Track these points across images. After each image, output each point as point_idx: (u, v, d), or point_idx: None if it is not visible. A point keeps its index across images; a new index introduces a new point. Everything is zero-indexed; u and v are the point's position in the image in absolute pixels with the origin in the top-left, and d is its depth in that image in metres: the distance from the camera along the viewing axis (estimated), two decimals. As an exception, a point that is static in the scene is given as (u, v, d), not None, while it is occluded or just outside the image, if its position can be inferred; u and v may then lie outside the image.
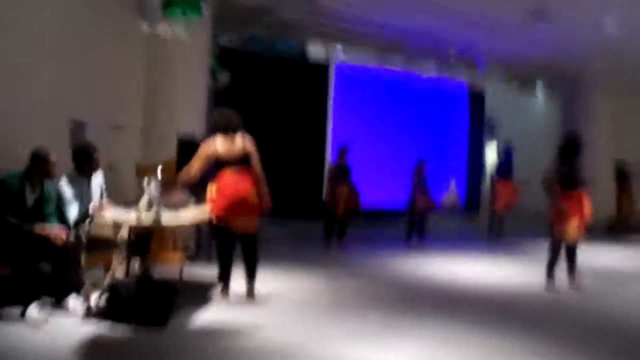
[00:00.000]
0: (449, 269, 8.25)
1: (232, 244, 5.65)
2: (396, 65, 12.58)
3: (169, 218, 4.84)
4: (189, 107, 8.50)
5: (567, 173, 7.25)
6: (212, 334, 4.57)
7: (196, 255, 7.45)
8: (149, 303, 4.53)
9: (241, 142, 5.62)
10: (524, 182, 11.59)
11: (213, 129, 5.74)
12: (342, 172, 9.59)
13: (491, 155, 16.83)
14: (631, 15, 9.85)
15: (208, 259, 6.91)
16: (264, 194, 5.69)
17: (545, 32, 10.74)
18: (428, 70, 12.90)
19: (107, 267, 5.99)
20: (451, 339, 4.78)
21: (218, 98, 10.33)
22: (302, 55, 12.76)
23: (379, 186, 12.51)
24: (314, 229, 10.13)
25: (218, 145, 5.59)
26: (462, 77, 13.92)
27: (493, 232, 11.57)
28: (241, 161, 5.57)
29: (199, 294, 5.62)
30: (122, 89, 8.17)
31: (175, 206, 5.36)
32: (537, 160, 14.78)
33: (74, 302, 4.76)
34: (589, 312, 6.06)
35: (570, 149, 7.33)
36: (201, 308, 5.19)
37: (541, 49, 11.74)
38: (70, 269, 4.82)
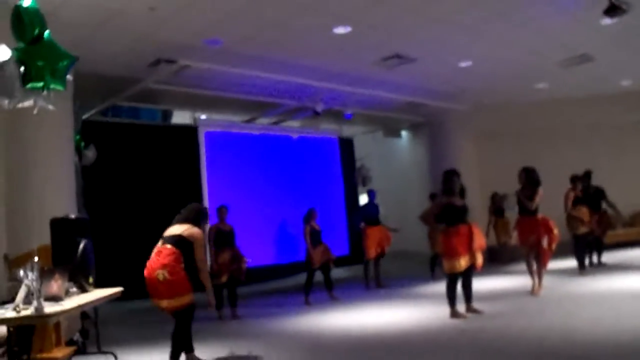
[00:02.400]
0: (353, 319, 8.30)
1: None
2: (264, 124, 12.76)
3: (52, 309, 4.39)
4: (56, 187, 7.97)
5: (453, 208, 7.61)
6: None
7: (84, 346, 6.85)
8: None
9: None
10: (394, 228, 11.89)
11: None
12: (223, 236, 9.24)
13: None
14: (484, 57, 10.74)
15: (98, 349, 6.36)
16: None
17: (403, 77, 11.39)
18: (296, 126, 13.19)
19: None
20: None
21: (86, 174, 9.83)
22: (168, 121, 12.61)
23: (264, 243, 12.38)
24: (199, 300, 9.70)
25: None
26: (330, 128, 14.35)
27: (369, 279, 11.51)
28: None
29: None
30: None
31: (55, 296, 4.90)
32: (407, 201, 15.57)
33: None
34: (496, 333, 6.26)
35: (450, 182, 7.70)
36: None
37: (403, 93, 12.41)
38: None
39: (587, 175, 11.40)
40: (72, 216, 5.91)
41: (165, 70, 9.33)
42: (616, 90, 14.51)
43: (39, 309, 4.24)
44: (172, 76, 9.60)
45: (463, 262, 7.46)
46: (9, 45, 4.46)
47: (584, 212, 10.77)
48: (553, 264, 11.56)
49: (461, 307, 7.64)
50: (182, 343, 5.79)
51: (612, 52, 11.24)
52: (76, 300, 4.95)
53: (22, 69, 4.41)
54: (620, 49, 11.10)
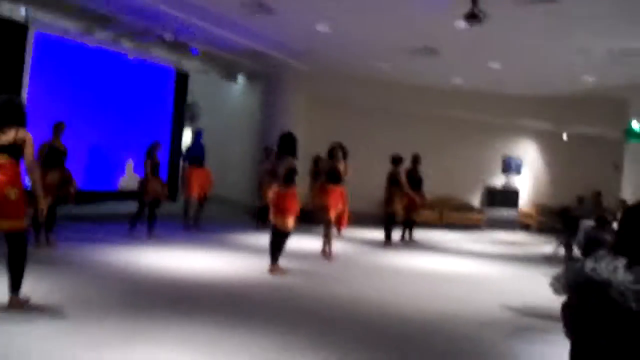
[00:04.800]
0: (171, 260, 8.08)
1: None
2: (103, 40, 11.63)
3: None
4: None
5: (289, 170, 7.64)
6: None
7: None
8: None
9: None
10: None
11: None
12: (56, 155, 8.35)
13: (186, 140, 16.79)
14: (341, 25, 10.75)
15: None
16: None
17: (258, 25, 11.05)
18: (136, 49, 12.21)
19: None
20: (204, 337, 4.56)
21: None
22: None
23: (86, 166, 11.48)
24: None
25: None
26: (170, 59, 13.53)
27: (189, 220, 11.24)
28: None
29: None
30: None
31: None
32: (231, 146, 15.38)
33: None
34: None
35: (286, 143, 7.72)
36: None
37: (255, 41, 12.04)
38: None
39: (416, 159, 12.13)
40: None
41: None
42: (448, 86, 15.53)
43: None
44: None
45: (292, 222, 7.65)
46: None
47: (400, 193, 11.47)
48: (366, 234, 12.32)
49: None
50: (21, 269, 5.10)
51: (455, 52, 11.93)
52: None
53: None
54: (463, 50, 11.81)
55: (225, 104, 16.81)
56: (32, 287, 5.42)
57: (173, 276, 7.09)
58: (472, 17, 8.69)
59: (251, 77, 15.77)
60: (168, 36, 10.98)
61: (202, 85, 15.70)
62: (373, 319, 5.92)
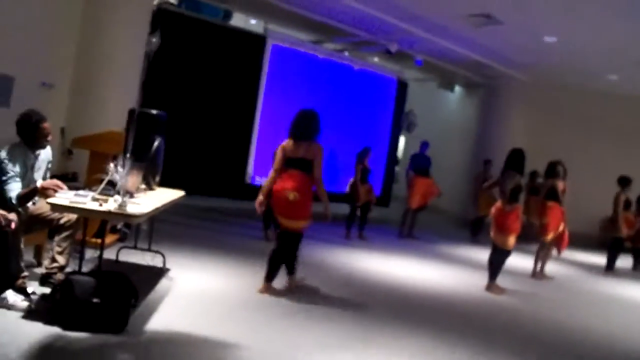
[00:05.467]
0: (387, 266, 8.27)
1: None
2: (331, 51, 12.37)
3: (137, 210, 4.27)
4: (126, 72, 7.79)
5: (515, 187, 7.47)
6: (174, 341, 4.13)
7: (125, 236, 6.83)
8: (109, 307, 4.01)
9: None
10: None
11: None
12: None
13: (405, 148, 17.12)
14: (569, 36, 10.27)
15: (149, 246, 6.24)
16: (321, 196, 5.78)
17: (484, 37, 10.93)
18: (361, 60, 12.79)
19: (38, 251, 5.37)
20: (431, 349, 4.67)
21: (148, 62, 9.57)
22: (227, 21, 12.18)
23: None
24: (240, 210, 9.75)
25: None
26: (393, 69, 13.93)
27: (405, 228, 11.37)
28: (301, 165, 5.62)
29: (145, 283, 5.13)
30: (55, 45, 7.32)
31: (128, 192, 4.78)
32: (446, 157, 15.35)
33: (14, 296, 4.13)
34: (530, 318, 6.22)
35: (516, 161, 7.55)
36: (153, 305, 4.73)
37: (476, 52, 11.96)
38: (11, 257, 4.17)
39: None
40: (153, 111, 5.70)
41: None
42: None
43: (123, 206, 4.13)
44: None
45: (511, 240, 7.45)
46: None
47: (630, 216, 10.63)
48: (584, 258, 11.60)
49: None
50: (281, 264, 5.79)
51: None
52: (151, 200, 4.84)
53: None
54: None
55: (441, 113, 16.86)
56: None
57: (390, 283, 7.22)
58: None
59: (468, 87, 15.64)
60: (393, 47, 11.29)
61: (419, 94, 15.92)
62: (600, 353, 5.60)
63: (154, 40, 10.29)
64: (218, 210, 10.47)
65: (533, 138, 14.13)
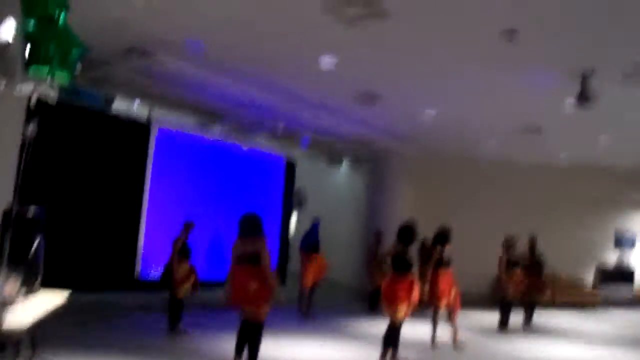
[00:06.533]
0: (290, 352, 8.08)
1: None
2: (218, 134, 12.31)
3: (17, 326, 3.85)
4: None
5: (399, 258, 7.61)
6: None
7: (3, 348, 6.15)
8: None
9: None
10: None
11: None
12: (184, 249, 8.88)
13: (296, 226, 17.12)
14: (448, 109, 10.93)
15: (33, 351, 5.66)
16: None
17: (370, 113, 11.37)
18: (250, 142, 12.83)
19: None
20: None
21: (25, 151, 9.04)
22: (108, 107, 11.81)
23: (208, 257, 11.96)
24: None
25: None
26: (281, 150, 14.06)
27: (303, 308, 11.28)
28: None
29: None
30: None
31: (6, 301, 4.38)
32: (338, 230, 15.52)
33: None
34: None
35: (407, 234, 7.72)
36: None
37: (361, 128, 12.38)
38: None
39: (533, 242, 11.90)
40: (30, 211, 5.30)
41: (135, 61, 8.78)
42: (554, 163, 15.22)
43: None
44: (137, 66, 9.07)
45: (401, 313, 7.45)
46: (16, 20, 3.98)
47: (517, 275, 11.13)
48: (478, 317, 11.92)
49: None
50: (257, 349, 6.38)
51: (562, 128, 11.75)
52: (31, 309, 4.43)
53: (28, 47, 3.93)
54: (570, 127, 11.60)
55: (331, 187, 17.14)
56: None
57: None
58: (583, 98, 8.62)
59: (356, 161, 16.06)
60: (280, 127, 11.46)
61: (308, 171, 16.12)
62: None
63: (30, 127, 9.84)
64: (111, 305, 9.86)
65: (420, 207, 14.70)
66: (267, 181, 14.28)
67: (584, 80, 8.43)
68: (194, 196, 12.11)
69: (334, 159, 16.00)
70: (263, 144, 13.15)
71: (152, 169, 11.23)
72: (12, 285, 4.45)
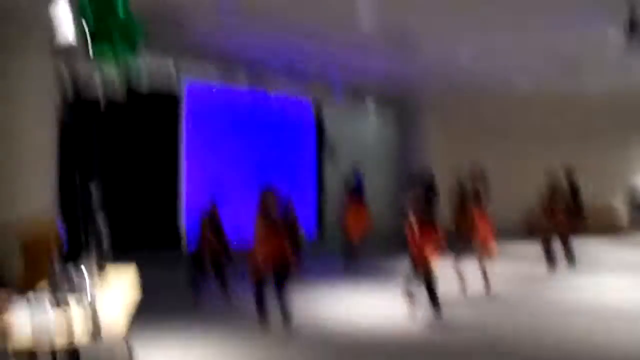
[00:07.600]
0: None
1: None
2: (245, 81, 11.93)
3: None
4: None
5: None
6: None
7: None
8: None
9: None
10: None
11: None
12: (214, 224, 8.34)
13: (333, 178, 16.79)
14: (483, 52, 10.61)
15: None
16: None
17: (403, 54, 11.03)
18: (277, 87, 12.45)
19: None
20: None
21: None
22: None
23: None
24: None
25: None
26: (309, 96, 13.76)
27: (349, 257, 10.91)
28: None
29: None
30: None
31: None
32: (372, 179, 15.35)
33: None
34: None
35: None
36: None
37: (390, 68, 12.03)
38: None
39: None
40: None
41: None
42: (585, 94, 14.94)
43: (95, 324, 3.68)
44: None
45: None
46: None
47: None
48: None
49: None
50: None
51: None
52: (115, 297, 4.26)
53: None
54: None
55: (358, 134, 16.83)
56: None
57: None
58: (633, 27, 8.27)
59: (384, 104, 15.75)
60: (310, 74, 11.19)
61: (334, 116, 15.83)
62: None
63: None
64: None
65: (452, 148, 14.63)
66: (298, 127, 14.03)
67: (632, 8, 8.07)
68: (227, 152, 12.01)
69: (361, 103, 15.65)
70: (290, 90, 12.81)
71: (185, 128, 11.14)
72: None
